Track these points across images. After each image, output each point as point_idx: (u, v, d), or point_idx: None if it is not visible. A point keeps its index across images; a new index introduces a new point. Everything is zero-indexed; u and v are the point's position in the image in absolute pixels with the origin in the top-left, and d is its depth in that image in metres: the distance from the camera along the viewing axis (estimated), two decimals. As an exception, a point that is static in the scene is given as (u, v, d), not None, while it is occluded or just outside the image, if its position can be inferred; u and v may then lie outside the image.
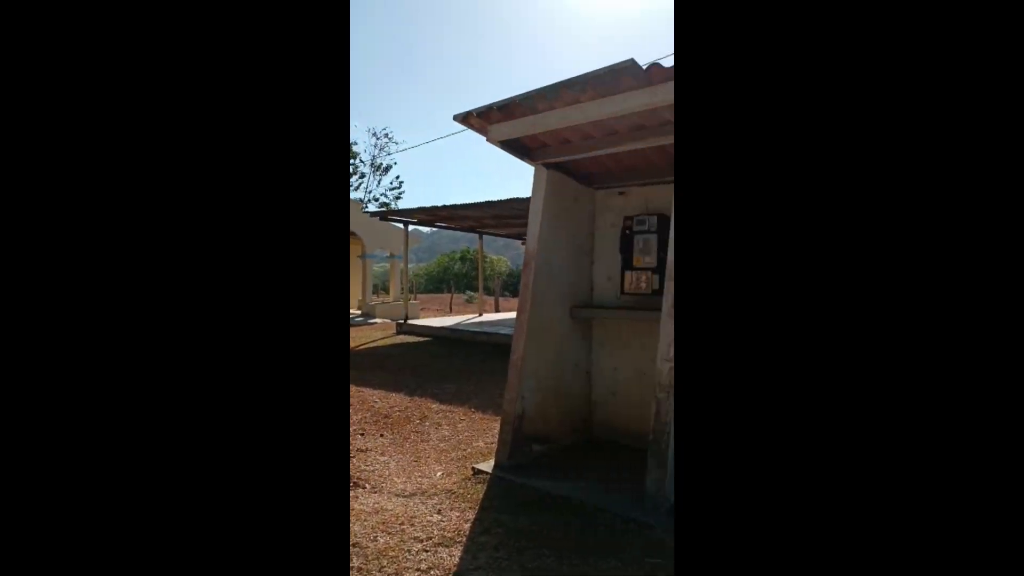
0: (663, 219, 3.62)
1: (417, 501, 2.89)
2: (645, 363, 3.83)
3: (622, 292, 3.79)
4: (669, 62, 2.52)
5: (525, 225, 4.85)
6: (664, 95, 2.63)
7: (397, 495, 2.98)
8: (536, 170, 3.53)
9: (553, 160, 3.47)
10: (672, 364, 2.83)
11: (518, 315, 3.45)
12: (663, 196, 3.74)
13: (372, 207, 29.32)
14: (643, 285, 3.66)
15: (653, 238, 3.61)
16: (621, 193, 3.96)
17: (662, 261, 3.60)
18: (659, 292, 3.59)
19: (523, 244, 7.69)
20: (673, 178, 3.74)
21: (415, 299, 17.96)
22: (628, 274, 3.74)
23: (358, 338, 10.53)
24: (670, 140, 3.05)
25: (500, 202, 9.25)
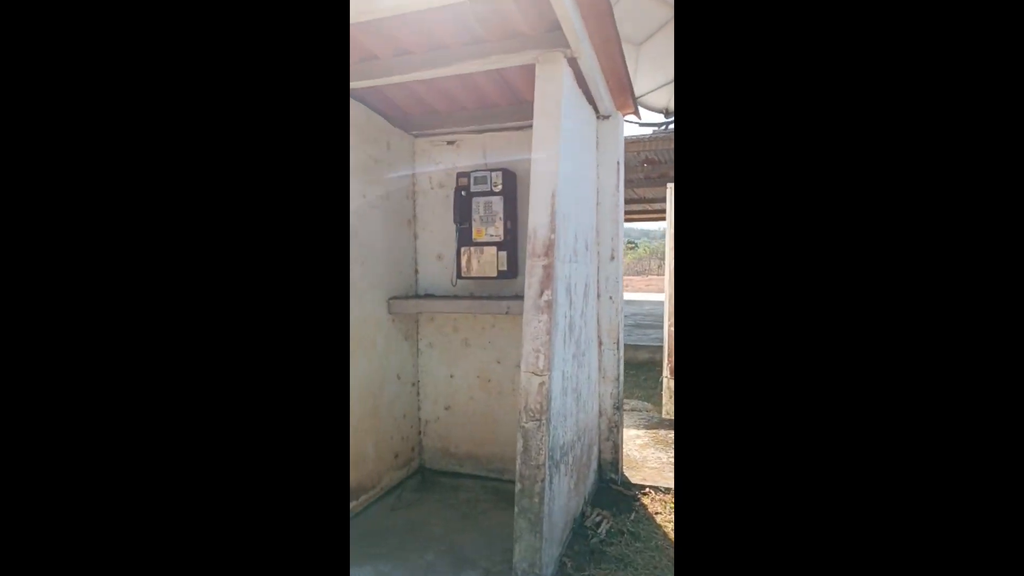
0: (509, 175, 2.73)
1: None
2: (491, 367, 2.96)
3: (459, 275, 2.82)
4: None
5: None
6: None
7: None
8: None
9: (355, 86, 2.33)
10: (543, 379, 1.97)
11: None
12: (506, 145, 2.85)
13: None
14: (487, 265, 2.74)
15: (498, 201, 2.70)
16: (451, 143, 2.97)
17: (512, 233, 2.71)
18: (509, 273, 2.71)
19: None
20: (518, 122, 2.88)
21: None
22: (466, 251, 2.77)
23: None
24: (524, 60, 2.15)
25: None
